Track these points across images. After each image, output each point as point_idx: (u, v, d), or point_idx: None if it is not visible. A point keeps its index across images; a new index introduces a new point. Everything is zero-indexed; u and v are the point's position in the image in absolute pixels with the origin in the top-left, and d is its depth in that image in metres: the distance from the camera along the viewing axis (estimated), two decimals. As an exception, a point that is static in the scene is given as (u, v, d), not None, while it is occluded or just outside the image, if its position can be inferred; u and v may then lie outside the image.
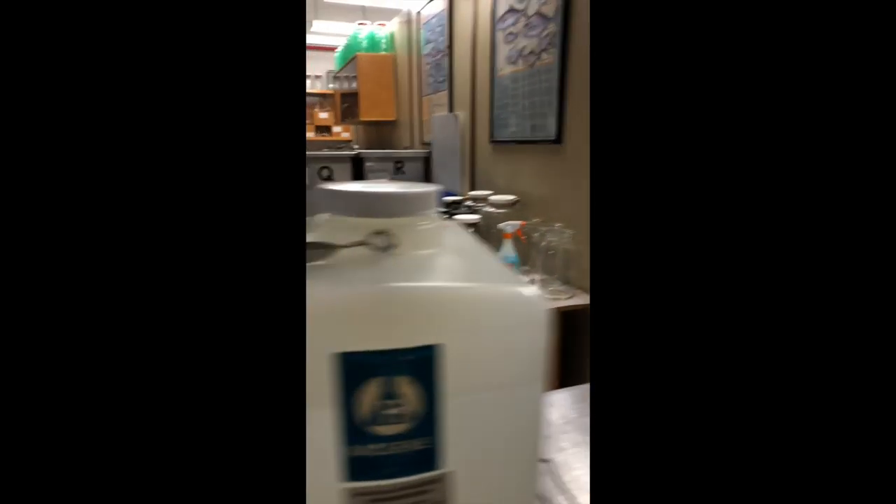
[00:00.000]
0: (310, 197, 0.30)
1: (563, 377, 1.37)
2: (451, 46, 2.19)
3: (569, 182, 1.45)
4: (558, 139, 1.46)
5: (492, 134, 1.87)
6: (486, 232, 1.61)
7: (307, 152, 2.52)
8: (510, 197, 1.64)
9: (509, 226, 1.29)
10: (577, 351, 1.42)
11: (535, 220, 1.43)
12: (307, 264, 0.28)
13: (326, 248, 0.28)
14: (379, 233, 0.28)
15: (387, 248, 0.28)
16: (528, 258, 1.37)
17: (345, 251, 0.28)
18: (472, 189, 2.07)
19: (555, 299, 1.31)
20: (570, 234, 1.33)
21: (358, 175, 2.57)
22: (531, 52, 1.55)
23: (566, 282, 1.36)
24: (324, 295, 0.23)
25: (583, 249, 1.35)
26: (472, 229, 1.56)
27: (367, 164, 2.55)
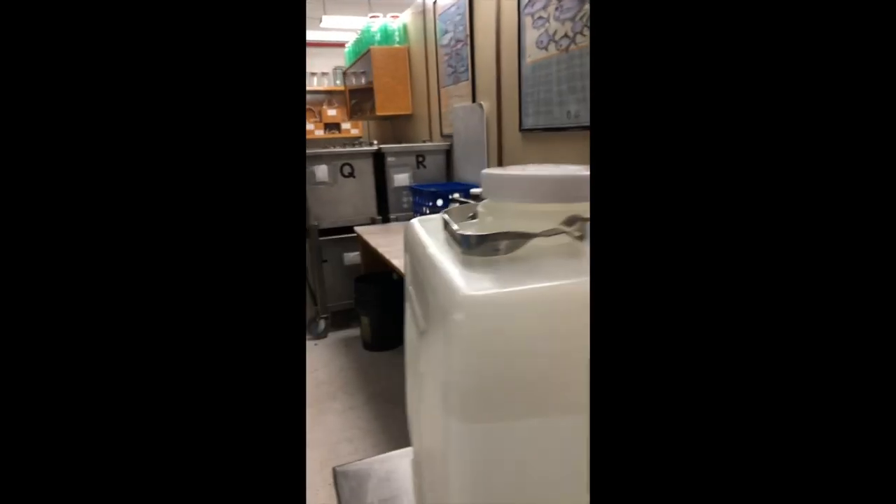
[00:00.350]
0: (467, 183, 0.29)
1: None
2: (471, 35, 2.15)
3: (609, 168, 1.42)
4: (597, 124, 1.43)
5: (521, 122, 1.84)
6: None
7: (324, 150, 2.49)
8: (546, 186, 1.61)
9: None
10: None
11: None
12: (499, 255, 0.26)
13: (520, 238, 0.25)
14: (576, 219, 0.26)
15: (587, 236, 0.25)
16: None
17: (536, 241, 0.26)
18: (500, 180, 2.04)
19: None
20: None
21: (379, 170, 2.54)
22: (564, 36, 1.51)
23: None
24: (577, 289, 0.20)
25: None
26: (510, 220, 1.53)
27: (389, 159, 2.52)
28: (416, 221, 0.38)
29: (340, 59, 4.51)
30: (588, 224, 0.26)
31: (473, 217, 0.33)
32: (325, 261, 2.56)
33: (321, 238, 2.51)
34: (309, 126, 5.32)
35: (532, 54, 1.71)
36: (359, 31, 3.41)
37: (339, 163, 2.48)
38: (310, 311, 2.63)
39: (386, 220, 2.58)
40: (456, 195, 2.00)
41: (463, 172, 2.43)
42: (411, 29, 3.01)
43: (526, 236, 0.25)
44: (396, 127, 3.57)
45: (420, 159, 2.57)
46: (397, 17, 3.12)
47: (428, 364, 0.26)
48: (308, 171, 2.40)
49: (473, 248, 0.26)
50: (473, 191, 1.93)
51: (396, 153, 2.54)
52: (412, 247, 0.35)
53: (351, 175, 2.51)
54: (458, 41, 2.31)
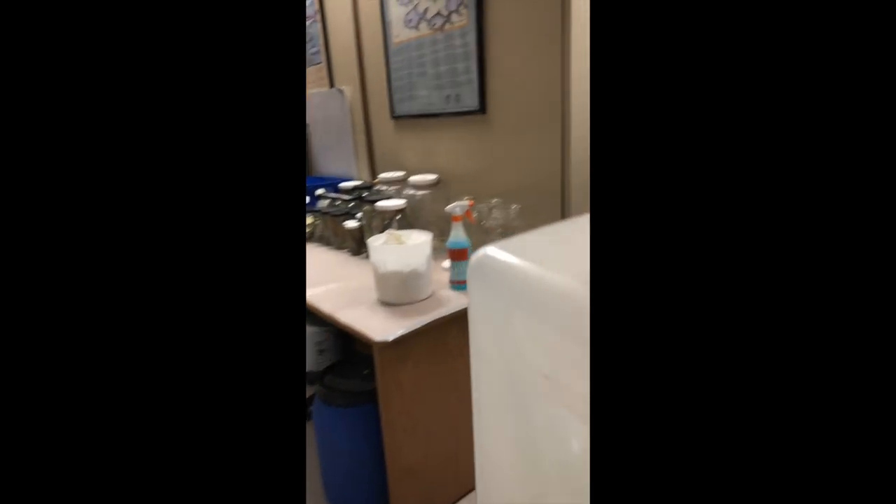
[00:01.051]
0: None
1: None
2: (322, 11, 1.93)
3: (497, 154, 1.37)
4: (482, 109, 1.37)
5: (392, 109, 1.70)
6: (414, 217, 1.47)
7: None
8: (433, 176, 1.51)
9: (458, 207, 1.16)
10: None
11: (466, 199, 1.33)
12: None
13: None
14: None
15: None
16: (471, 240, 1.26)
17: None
18: (373, 172, 1.88)
19: (509, 279, 1.23)
20: (516, 208, 1.25)
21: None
22: (437, 14, 1.41)
23: (513, 259, 1.29)
24: None
25: (532, 224, 1.29)
26: (399, 216, 1.40)
27: (233, 154, 2.16)
28: (502, 257, 0.24)
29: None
30: None
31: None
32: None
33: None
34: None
35: (400, 33, 1.57)
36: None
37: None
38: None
39: (237, 225, 2.23)
40: (321, 191, 1.79)
41: (325, 166, 2.20)
42: (240, 3, 2.62)
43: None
44: (231, 117, 3.12)
45: (271, 153, 2.26)
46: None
47: None
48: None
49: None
50: (343, 185, 1.74)
51: (242, 147, 2.19)
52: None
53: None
54: (306, 17, 2.06)
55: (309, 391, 1.45)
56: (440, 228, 1.44)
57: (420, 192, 1.50)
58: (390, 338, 0.94)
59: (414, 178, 1.50)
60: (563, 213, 1.24)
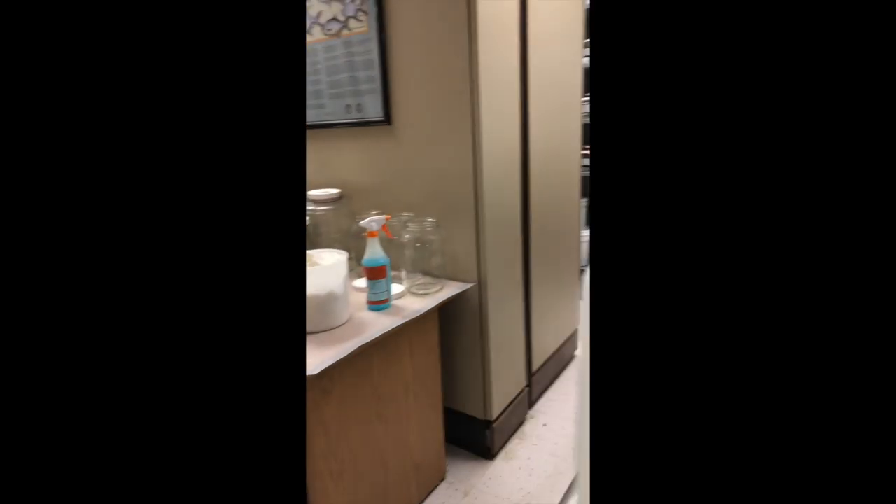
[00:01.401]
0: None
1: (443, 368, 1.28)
2: (190, 10, 1.71)
3: (405, 166, 1.32)
4: (387, 119, 1.31)
5: (282, 119, 1.55)
6: (315, 234, 1.34)
7: None
8: (334, 190, 1.40)
9: (374, 222, 1.08)
10: (452, 340, 1.34)
11: (374, 212, 1.25)
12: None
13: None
14: None
15: None
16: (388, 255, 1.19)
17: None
18: (260, 188, 1.70)
19: (427, 294, 1.18)
20: (432, 221, 1.21)
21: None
22: (333, 20, 1.33)
23: (428, 273, 1.24)
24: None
25: (446, 237, 1.25)
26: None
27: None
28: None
29: None
30: None
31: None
32: None
33: None
34: None
35: (289, 38, 1.45)
36: None
37: None
38: None
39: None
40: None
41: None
42: None
43: None
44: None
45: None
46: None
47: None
48: None
49: None
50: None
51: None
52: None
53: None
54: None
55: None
56: (345, 245, 1.34)
57: (321, 208, 1.38)
58: (316, 370, 0.82)
59: (313, 193, 1.38)
60: (477, 225, 1.22)
